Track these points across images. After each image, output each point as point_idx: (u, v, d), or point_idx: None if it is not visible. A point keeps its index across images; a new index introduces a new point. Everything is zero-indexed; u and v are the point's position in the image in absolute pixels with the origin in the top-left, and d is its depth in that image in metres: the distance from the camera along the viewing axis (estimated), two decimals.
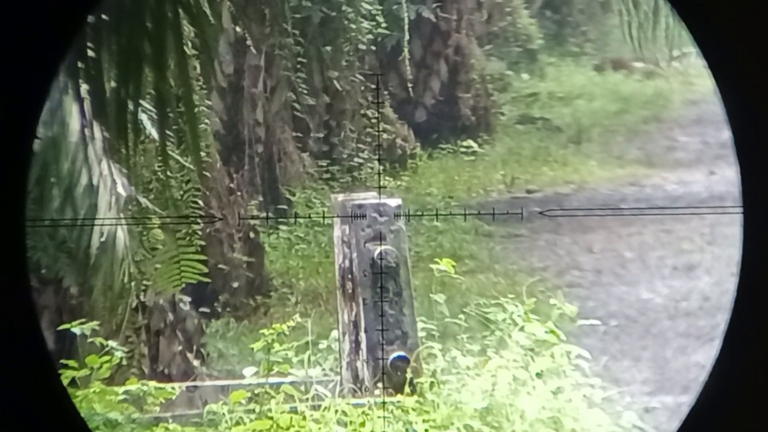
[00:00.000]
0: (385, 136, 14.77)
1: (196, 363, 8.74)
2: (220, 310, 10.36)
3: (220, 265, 10.37)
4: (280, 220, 12.23)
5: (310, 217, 12.04)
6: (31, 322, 2.61)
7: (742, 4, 2.58)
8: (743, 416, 2.69)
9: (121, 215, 6.89)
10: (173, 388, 7.22)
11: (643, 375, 8.83)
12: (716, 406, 2.70)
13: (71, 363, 7.04)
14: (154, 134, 7.03)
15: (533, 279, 10.01)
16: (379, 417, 6.76)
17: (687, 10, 2.66)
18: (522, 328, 7.58)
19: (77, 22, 2.63)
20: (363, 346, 7.27)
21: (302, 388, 7.06)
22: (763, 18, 2.55)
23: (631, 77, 18.80)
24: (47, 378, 2.62)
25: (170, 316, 8.58)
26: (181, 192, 8.22)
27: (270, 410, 6.78)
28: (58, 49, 2.60)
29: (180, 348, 8.61)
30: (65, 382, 6.97)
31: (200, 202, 8.61)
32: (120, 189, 6.84)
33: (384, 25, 14.59)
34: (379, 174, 13.99)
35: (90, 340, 7.22)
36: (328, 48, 13.93)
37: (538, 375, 7.20)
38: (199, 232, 8.24)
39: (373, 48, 14.78)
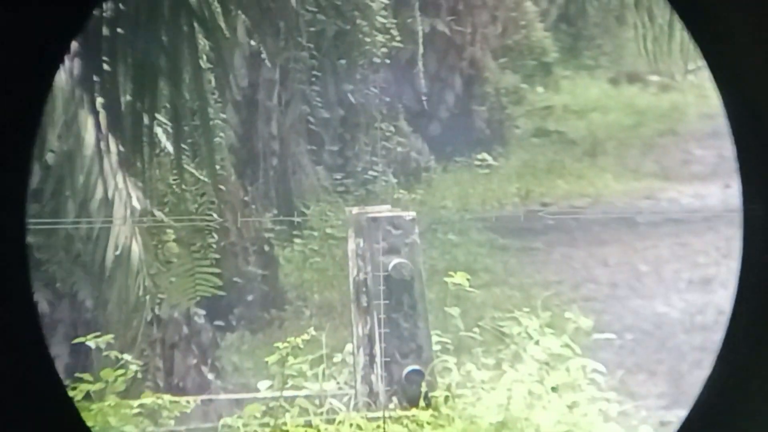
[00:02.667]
0: (399, 149, 14.76)
1: (210, 376, 8.73)
2: (234, 323, 10.35)
3: (235, 279, 10.37)
4: (295, 233, 12.23)
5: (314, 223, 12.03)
6: (32, 325, 2.60)
7: (744, 10, 2.61)
8: (741, 421, 2.68)
9: (136, 228, 6.90)
10: (188, 402, 7.21)
11: (658, 389, 8.79)
12: (713, 412, 2.69)
13: (86, 376, 7.04)
14: (170, 147, 7.04)
15: (548, 292, 9.98)
16: (393, 431, 6.74)
17: (692, 17, 2.69)
18: (537, 342, 7.55)
19: (77, 26, 2.63)
20: (377, 359, 7.26)
21: (317, 401, 7.04)
22: (762, 18, 2.59)
23: (647, 90, 18.75)
24: (49, 380, 2.61)
25: (185, 330, 8.58)
26: (196, 205, 8.23)
27: (285, 424, 6.77)
28: (59, 49, 2.60)
29: (195, 361, 8.61)
30: (80, 396, 6.98)
31: (215, 215, 8.62)
32: (135, 202, 6.85)
33: (398, 38, 14.60)
34: (393, 187, 13.98)
35: (105, 353, 7.21)
36: (343, 61, 13.95)
37: (554, 389, 7.18)
38: (214, 245, 8.25)
39: (388, 61, 14.79)
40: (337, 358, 7.74)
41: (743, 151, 2.68)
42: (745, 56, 2.61)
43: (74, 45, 4.68)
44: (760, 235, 2.67)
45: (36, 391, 2.54)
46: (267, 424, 6.83)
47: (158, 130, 6.73)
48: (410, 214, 7.47)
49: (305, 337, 7.40)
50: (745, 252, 2.71)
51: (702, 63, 2.77)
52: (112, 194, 6.57)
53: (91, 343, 7.22)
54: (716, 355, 2.75)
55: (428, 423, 6.90)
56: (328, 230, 12.28)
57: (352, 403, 7.15)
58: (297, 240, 12.11)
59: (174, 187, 7.93)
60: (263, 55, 12.23)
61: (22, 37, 2.47)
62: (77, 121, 6.25)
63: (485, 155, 15.82)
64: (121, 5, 4.50)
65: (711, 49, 2.67)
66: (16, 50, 2.47)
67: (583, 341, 7.65)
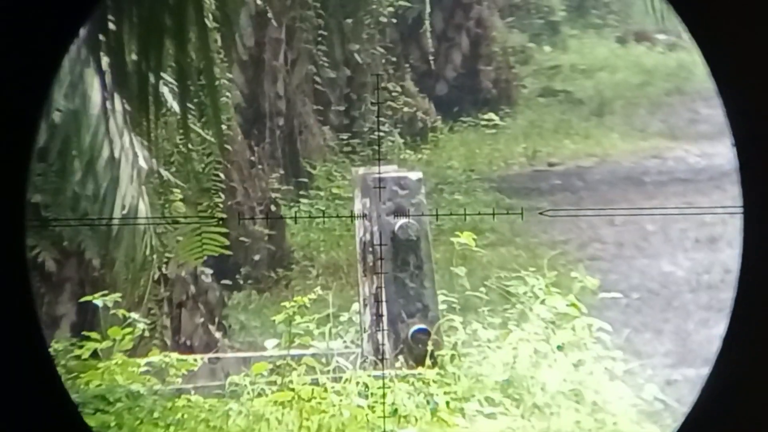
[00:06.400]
0: (405, 109, 14.73)
1: (218, 335, 8.77)
2: (241, 282, 10.39)
3: (242, 238, 10.39)
4: (302, 193, 12.24)
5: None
6: (30, 321, 2.60)
7: (741, 4, 2.61)
8: (744, 414, 2.70)
9: (143, 188, 6.91)
10: (195, 360, 7.25)
11: (664, 347, 8.82)
12: (718, 405, 2.71)
13: (93, 335, 7.08)
14: (176, 107, 7.02)
15: (555, 252, 9.99)
16: (400, 389, 6.78)
17: (687, 11, 2.69)
18: (543, 301, 7.58)
19: (79, 18, 2.61)
20: (384, 318, 7.29)
21: (323, 360, 7.08)
22: (762, 18, 2.58)
23: (654, 49, 18.66)
24: (46, 376, 2.62)
25: (192, 289, 8.61)
26: (203, 165, 8.23)
27: (291, 382, 6.80)
28: (58, 46, 2.58)
29: (202, 320, 8.64)
30: (87, 354, 7.02)
31: (221, 175, 8.62)
32: (141, 162, 6.85)
33: None
34: (399, 147, 13.97)
35: (112, 312, 7.24)
36: (349, 21, 13.89)
37: (560, 348, 7.21)
38: (220, 205, 8.26)
39: (394, 21, 14.73)
40: (344, 317, 7.78)
41: (743, 151, 2.69)
42: (746, 55, 2.62)
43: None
44: (759, 234, 2.69)
45: (34, 389, 2.55)
46: (274, 383, 6.87)
47: (164, 90, 6.72)
48: (416, 174, 7.47)
49: (312, 296, 7.43)
50: (744, 251, 2.73)
51: (702, 62, 2.77)
52: (119, 154, 6.57)
53: (99, 302, 7.25)
54: (716, 355, 2.76)
55: (434, 381, 6.93)
56: (335, 190, 12.28)
57: (359, 361, 7.18)
58: (303, 200, 12.12)
59: (180, 146, 7.93)
60: (269, 15, 12.18)
61: (22, 35, 2.46)
62: (83, 81, 6.24)
63: (492, 115, 15.78)
64: None
65: (711, 48, 2.68)
66: (16, 49, 2.46)
67: (590, 300, 7.67)
